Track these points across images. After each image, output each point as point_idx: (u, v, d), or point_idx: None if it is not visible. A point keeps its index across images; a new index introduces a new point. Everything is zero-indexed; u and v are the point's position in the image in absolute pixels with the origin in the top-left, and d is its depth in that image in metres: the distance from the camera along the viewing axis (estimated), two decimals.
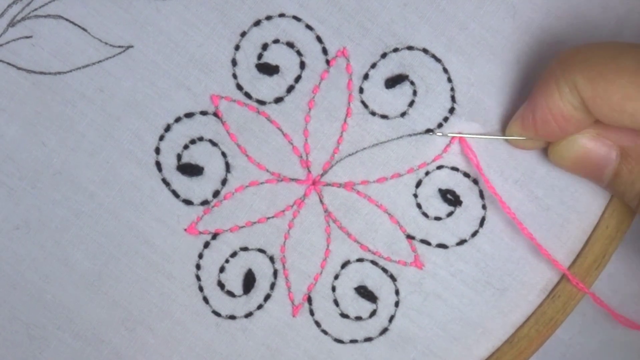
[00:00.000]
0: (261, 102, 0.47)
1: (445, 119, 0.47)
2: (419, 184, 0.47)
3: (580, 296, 0.48)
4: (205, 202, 0.47)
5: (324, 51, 0.47)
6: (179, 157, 0.47)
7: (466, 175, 0.48)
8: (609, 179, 0.45)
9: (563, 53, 0.43)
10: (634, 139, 0.44)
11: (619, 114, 0.41)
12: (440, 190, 0.48)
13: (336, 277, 0.48)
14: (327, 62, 0.47)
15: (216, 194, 0.47)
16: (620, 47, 0.41)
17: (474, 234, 0.48)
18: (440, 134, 0.47)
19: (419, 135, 0.47)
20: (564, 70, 0.42)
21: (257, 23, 0.46)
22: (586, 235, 0.48)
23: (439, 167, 0.47)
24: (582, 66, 0.41)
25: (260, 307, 0.48)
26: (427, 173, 0.47)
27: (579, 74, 0.41)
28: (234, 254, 0.48)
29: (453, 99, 0.47)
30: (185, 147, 0.47)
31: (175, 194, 0.47)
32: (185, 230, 0.47)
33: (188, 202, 0.47)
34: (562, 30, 0.47)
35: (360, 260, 0.48)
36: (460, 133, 0.47)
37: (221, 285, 0.48)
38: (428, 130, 0.47)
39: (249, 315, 0.48)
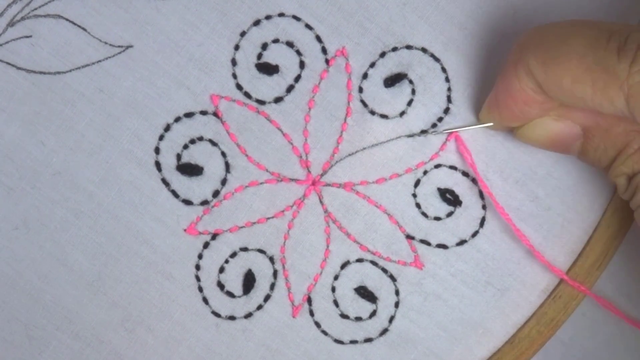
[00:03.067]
0: (261, 102, 0.47)
1: (440, 119, 0.47)
2: (417, 183, 0.47)
3: (582, 297, 0.48)
4: (204, 202, 0.47)
5: (324, 51, 0.47)
6: (179, 157, 0.47)
7: (465, 174, 0.47)
8: (576, 154, 0.45)
9: (520, 36, 0.43)
10: (595, 118, 0.43)
11: (570, 97, 0.41)
12: (439, 190, 0.48)
13: (336, 277, 0.48)
14: (327, 61, 0.47)
15: (216, 194, 0.47)
16: (572, 27, 0.41)
17: (474, 234, 0.48)
18: (433, 132, 0.47)
19: (416, 135, 0.47)
20: (520, 55, 0.42)
21: (257, 23, 0.46)
22: (587, 235, 0.48)
23: (437, 166, 0.47)
24: (535, 50, 0.41)
25: (260, 307, 0.48)
26: (425, 172, 0.47)
27: (532, 58, 0.41)
28: (233, 255, 0.48)
29: (449, 98, 0.47)
30: (185, 147, 0.47)
31: (174, 194, 0.47)
32: (185, 230, 0.47)
33: (188, 202, 0.47)
34: None
35: (360, 260, 0.48)
36: (450, 129, 0.47)
37: (221, 285, 0.48)
38: (423, 132, 0.47)
39: (248, 315, 0.48)
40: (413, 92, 0.47)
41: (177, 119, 0.47)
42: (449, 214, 0.48)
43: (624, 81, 0.39)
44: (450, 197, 0.47)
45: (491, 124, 0.46)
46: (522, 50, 0.42)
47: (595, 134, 0.44)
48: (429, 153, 0.47)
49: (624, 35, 0.39)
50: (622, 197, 0.45)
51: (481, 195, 0.48)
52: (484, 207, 0.48)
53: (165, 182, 0.47)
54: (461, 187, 0.47)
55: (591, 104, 0.41)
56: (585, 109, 0.42)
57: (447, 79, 0.47)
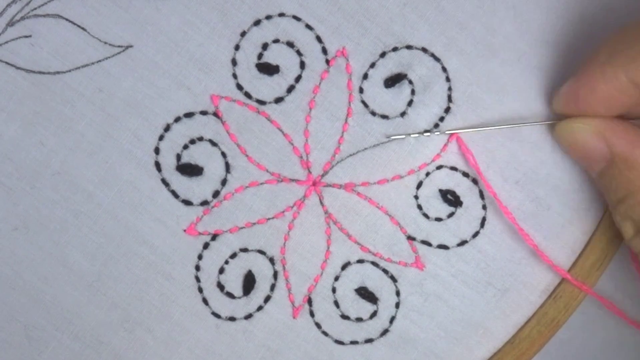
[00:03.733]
0: (261, 102, 0.47)
1: (442, 119, 0.47)
2: (419, 185, 0.47)
3: (582, 297, 0.48)
4: (204, 203, 0.47)
5: (324, 51, 0.47)
6: (179, 157, 0.47)
7: (465, 175, 0.47)
8: (595, 176, 0.45)
9: (604, 40, 0.43)
10: (629, 147, 0.44)
11: None
12: (440, 191, 0.47)
13: (336, 278, 0.48)
14: (327, 61, 0.47)
15: (216, 194, 0.47)
16: None
17: (475, 234, 0.48)
18: (438, 132, 0.47)
19: (418, 135, 0.47)
20: (609, 57, 0.43)
21: (257, 23, 0.46)
22: (587, 236, 0.48)
23: (439, 167, 0.47)
24: (623, 50, 0.42)
25: (260, 308, 0.48)
26: (427, 174, 0.47)
27: (622, 58, 0.42)
28: (233, 255, 0.47)
29: (450, 98, 0.47)
30: (185, 147, 0.47)
31: (174, 194, 0.47)
32: (185, 231, 0.47)
33: (187, 203, 0.47)
34: (563, 29, 0.47)
35: (360, 261, 0.48)
36: (457, 130, 0.47)
37: (221, 286, 0.48)
38: (426, 131, 0.47)
39: (248, 316, 0.48)
40: (413, 92, 0.47)
41: (177, 119, 0.47)
42: (450, 215, 0.48)
43: None
44: (451, 198, 0.47)
45: (498, 127, 0.46)
46: (610, 52, 0.42)
47: (620, 164, 0.44)
48: (430, 154, 0.47)
49: None
50: (629, 244, 0.45)
51: (481, 195, 0.48)
52: (484, 207, 0.48)
53: (165, 182, 0.47)
54: (462, 187, 0.47)
55: None
56: (625, 134, 0.43)
57: (447, 79, 0.47)
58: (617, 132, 0.44)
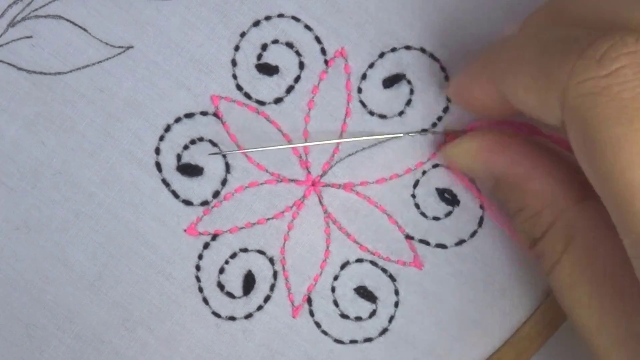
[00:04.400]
0: (261, 103, 0.47)
1: (439, 118, 0.47)
2: (416, 184, 0.48)
3: None
4: (205, 203, 0.47)
5: (323, 51, 0.47)
6: (179, 157, 0.47)
7: (462, 173, 0.48)
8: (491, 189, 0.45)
9: (488, 47, 0.43)
10: (508, 166, 0.43)
11: (525, 107, 0.40)
12: (437, 190, 0.48)
13: (336, 278, 0.48)
14: (326, 62, 0.47)
15: (216, 194, 0.47)
16: (528, 38, 0.40)
17: (473, 234, 0.48)
18: (434, 131, 0.47)
19: (416, 135, 0.47)
20: (484, 65, 0.42)
21: (257, 23, 0.47)
22: None
23: (435, 166, 0.47)
24: (498, 62, 0.41)
25: (260, 308, 0.48)
26: (424, 172, 0.48)
27: (496, 70, 0.41)
28: (233, 255, 0.48)
29: (448, 98, 0.47)
30: (185, 147, 0.47)
31: (175, 194, 0.47)
32: (185, 231, 0.47)
33: (188, 203, 0.47)
34: None
35: (359, 260, 0.48)
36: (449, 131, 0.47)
37: (221, 286, 0.48)
38: (423, 130, 0.47)
39: (248, 316, 0.48)
40: (412, 92, 0.47)
41: (178, 120, 0.47)
42: (448, 214, 0.48)
43: (563, 89, 0.37)
44: (448, 197, 0.48)
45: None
46: (485, 61, 0.42)
47: (503, 186, 0.44)
48: (427, 153, 0.47)
49: (571, 40, 0.37)
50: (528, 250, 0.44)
51: (479, 194, 0.48)
52: (481, 206, 0.48)
53: (165, 182, 0.47)
54: (459, 186, 0.48)
55: (537, 113, 0.39)
56: (504, 155, 0.43)
57: (446, 78, 0.47)
58: (495, 152, 0.44)
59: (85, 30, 0.46)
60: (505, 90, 0.41)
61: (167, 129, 0.47)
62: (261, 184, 0.47)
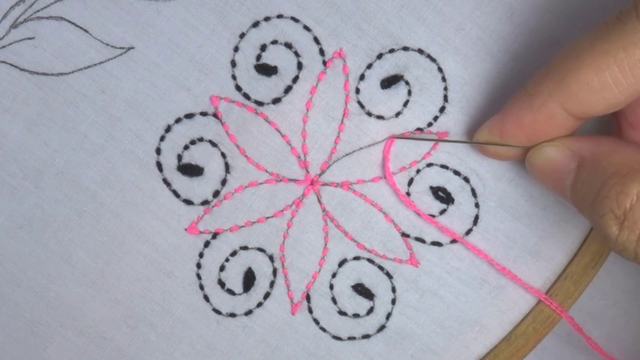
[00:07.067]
0: (260, 103, 0.47)
1: (436, 118, 0.47)
2: (410, 182, 0.48)
3: (577, 295, 0.48)
4: (205, 202, 0.48)
5: (321, 52, 0.47)
6: (180, 157, 0.47)
7: (457, 173, 0.48)
8: (569, 191, 0.43)
9: (535, 74, 0.43)
10: (592, 147, 0.43)
11: (606, 93, 0.40)
12: (431, 188, 0.48)
13: (334, 275, 0.48)
14: (324, 63, 0.47)
15: (216, 194, 0.48)
16: (573, 43, 0.41)
17: (468, 232, 0.48)
18: (429, 132, 0.47)
19: (411, 134, 0.47)
20: (536, 89, 0.42)
21: (256, 24, 0.47)
22: (584, 235, 0.49)
23: (429, 165, 0.48)
24: (550, 75, 0.42)
25: (260, 305, 0.49)
26: (417, 171, 0.48)
27: (550, 83, 0.41)
28: (234, 253, 0.48)
29: (446, 98, 0.47)
30: (186, 147, 0.47)
31: (175, 194, 0.48)
32: (186, 229, 0.48)
33: (188, 202, 0.48)
34: (561, 30, 0.47)
35: (357, 258, 0.48)
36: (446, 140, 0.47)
37: (221, 283, 0.48)
38: (418, 129, 0.47)
39: (249, 313, 0.49)
40: (409, 93, 0.47)
41: (178, 120, 0.47)
42: (442, 212, 0.48)
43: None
44: (442, 195, 0.48)
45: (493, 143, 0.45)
46: (536, 83, 0.42)
47: (587, 165, 0.42)
48: (421, 152, 0.48)
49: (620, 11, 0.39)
50: (616, 245, 0.41)
51: (474, 193, 0.48)
52: (477, 205, 0.48)
53: (166, 182, 0.48)
54: (453, 185, 0.48)
55: (626, 84, 0.39)
56: (584, 138, 0.43)
57: (443, 79, 0.47)
58: (579, 140, 0.43)
59: (86, 31, 0.47)
60: (576, 94, 0.40)
61: (168, 129, 0.47)
62: (260, 183, 0.48)
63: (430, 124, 0.47)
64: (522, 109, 0.43)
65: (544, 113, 0.42)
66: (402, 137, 0.47)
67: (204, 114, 0.47)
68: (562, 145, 0.43)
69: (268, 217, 0.48)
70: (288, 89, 0.47)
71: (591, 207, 0.41)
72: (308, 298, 0.49)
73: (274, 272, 0.48)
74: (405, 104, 0.47)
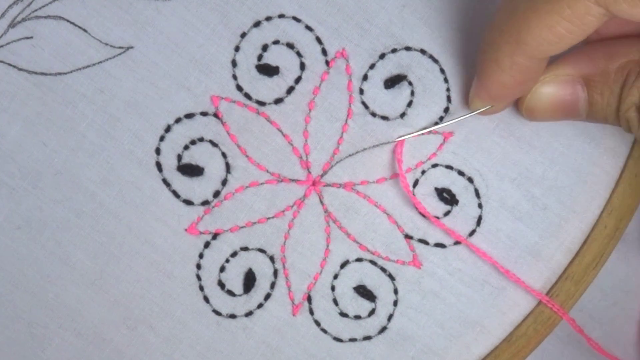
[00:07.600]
0: (261, 103, 0.47)
1: (440, 119, 0.47)
2: (415, 183, 0.48)
3: (578, 295, 0.49)
4: (205, 203, 0.47)
5: (324, 52, 0.47)
6: (180, 157, 0.47)
7: (461, 173, 0.48)
8: (585, 112, 0.44)
9: (485, 33, 0.43)
10: (592, 63, 0.43)
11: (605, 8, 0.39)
12: (436, 189, 0.48)
13: (335, 276, 0.48)
14: (327, 63, 0.47)
15: (216, 194, 0.47)
16: None
17: (472, 233, 0.48)
18: (435, 128, 0.47)
19: (419, 132, 0.47)
20: (496, 45, 0.42)
21: (257, 24, 0.47)
22: (584, 235, 0.49)
23: (434, 166, 0.48)
24: (511, 26, 0.41)
25: (260, 306, 0.48)
26: (423, 172, 0.48)
27: (506, 45, 0.41)
28: (234, 254, 0.48)
29: (449, 98, 0.47)
30: (186, 147, 0.47)
31: (175, 194, 0.47)
32: (186, 230, 0.48)
33: (188, 203, 0.47)
34: None
35: (359, 260, 0.48)
36: (448, 122, 0.47)
37: (221, 284, 0.48)
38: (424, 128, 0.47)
39: (249, 314, 0.48)
40: (412, 93, 0.47)
41: (178, 120, 0.47)
42: (446, 213, 0.48)
43: None
44: (447, 197, 0.48)
45: (488, 107, 0.45)
46: (496, 48, 0.42)
47: (597, 78, 0.43)
48: (426, 153, 0.48)
49: None
50: (637, 134, 0.43)
51: (477, 194, 0.48)
52: (480, 205, 0.48)
53: (166, 182, 0.47)
54: (457, 186, 0.48)
55: (581, 30, 0.39)
56: (580, 57, 0.43)
57: (445, 80, 0.47)
58: (568, 63, 0.44)
59: (85, 30, 0.46)
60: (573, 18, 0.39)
61: (168, 129, 0.47)
62: (262, 183, 0.47)
63: (436, 124, 0.47)
64: (496, 73, 0.42)
65: (517, 69, 0.42)
66: (410, 135, 0.47)
67: (204, 114, 0.47)
68: (556, 77, 0.44)
69: (269, 218, 0.48)
70: (290, 89, 0.47)
71: (617, 111, 0.43)
72: (309, 299, 0.48)
73: (275, 273, 0.48)
74: (409, 104, 0.47)
